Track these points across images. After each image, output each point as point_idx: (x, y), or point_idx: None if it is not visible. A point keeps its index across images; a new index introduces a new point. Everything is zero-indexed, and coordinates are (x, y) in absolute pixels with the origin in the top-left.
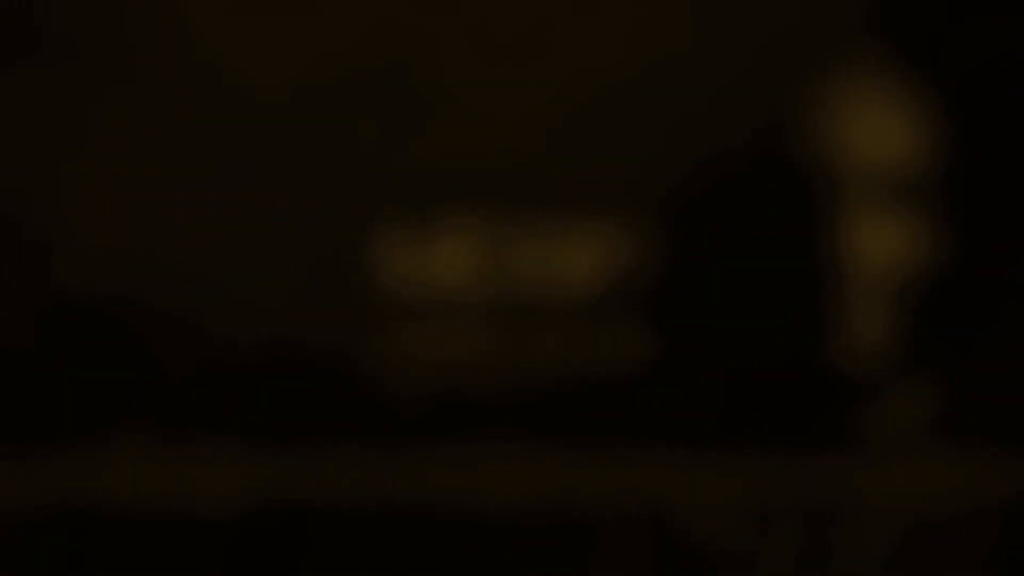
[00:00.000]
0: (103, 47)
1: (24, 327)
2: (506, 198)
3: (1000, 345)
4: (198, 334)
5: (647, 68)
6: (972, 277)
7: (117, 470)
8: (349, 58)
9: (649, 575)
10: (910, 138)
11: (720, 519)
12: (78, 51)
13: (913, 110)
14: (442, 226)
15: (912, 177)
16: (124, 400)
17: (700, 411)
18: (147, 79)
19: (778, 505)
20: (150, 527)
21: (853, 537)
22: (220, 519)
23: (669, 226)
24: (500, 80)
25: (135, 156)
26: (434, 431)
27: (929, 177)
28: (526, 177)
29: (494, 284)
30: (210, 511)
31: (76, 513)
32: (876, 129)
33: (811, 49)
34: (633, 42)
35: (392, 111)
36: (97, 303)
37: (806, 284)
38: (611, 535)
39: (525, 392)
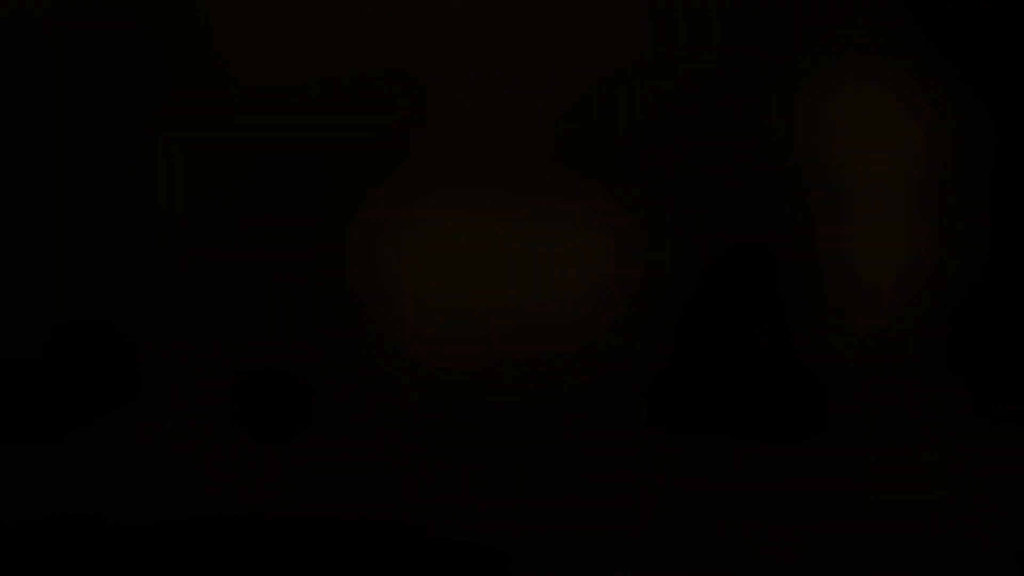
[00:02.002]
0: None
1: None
2: (505, 197)
3: (1012, 342)
4: (189, 332)
5: (645, 63)
6: (983, 275)
7: (109, 466)
8: (348, 53)
9: (648, 571)
10: (917, 134)
11: (725, 516)
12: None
13: (920, 106)
14: (441, 223)
15: (921, 174)
16: (116, 397)
17: (701, 410)
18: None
19: (782, 503)
20: (140, 525)
21: (864, 533)
22: (216, 518)
23: (669, 225)
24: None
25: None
26: (434, 432)
27: (937, 175)
28: (522, 176)
29: (494, 284)
30: (207, 510)
31: (73, 513)
32: (882, 124)
33: (816, 37)
34: (629, 36)
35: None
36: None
37: (811, 284)
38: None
39: (523, 393)
